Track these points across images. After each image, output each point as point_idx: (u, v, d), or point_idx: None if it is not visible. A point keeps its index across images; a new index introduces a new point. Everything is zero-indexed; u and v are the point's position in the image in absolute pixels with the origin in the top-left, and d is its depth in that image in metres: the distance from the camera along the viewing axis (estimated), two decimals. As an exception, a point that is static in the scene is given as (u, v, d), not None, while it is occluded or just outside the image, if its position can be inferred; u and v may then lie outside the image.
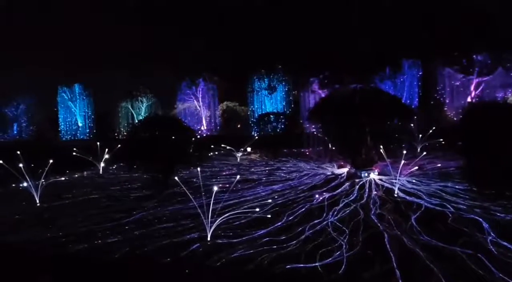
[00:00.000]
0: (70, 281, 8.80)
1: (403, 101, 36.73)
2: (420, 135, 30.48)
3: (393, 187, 16.56)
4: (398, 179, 16.95)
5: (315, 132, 30.37)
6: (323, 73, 57.47)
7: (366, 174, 19.84)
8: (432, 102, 53.56)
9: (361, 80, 47.37)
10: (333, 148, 24.19)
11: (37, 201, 16.26)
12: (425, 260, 8.83)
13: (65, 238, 11.36)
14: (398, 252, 9.31)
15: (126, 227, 12.37)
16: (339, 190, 17.13)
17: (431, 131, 30.85)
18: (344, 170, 22.11)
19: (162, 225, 12.50)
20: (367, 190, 16.66)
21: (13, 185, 19.46)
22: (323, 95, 53.85)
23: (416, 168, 18.92)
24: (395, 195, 15.67)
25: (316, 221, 12.24)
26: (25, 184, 17.52)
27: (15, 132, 67.42)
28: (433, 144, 30.19)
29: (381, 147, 18.36)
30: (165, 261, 9.33)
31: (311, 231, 11.29)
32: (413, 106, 50.75)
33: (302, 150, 34.58)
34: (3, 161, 17.32)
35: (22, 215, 14.42)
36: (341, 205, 14.21)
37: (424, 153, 20.38)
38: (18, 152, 17.75)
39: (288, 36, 71.74)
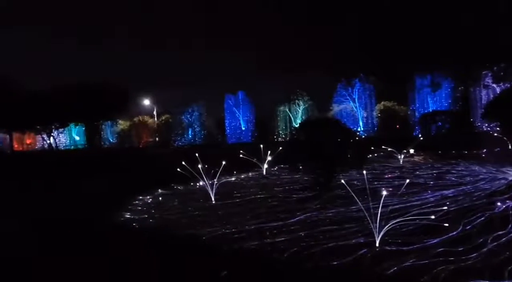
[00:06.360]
0: (244, 276, 9.38)
1: None
2: None
3: None
4: None
5: (490, 132, 27.04)
6: (498, 65, 50.79)
7: (563, 180, 16.82)
8: None
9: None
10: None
11: (213, 199, 17.95)
12: None
13: (237, 235, 12.24)
14: None
15: (292, 227, 12.74)
16: (527, 198, 14.85)
17: None
18: (531, 175, 19.14)
19: (326, 227, 12.54)
20: None
21: (191, 184, 21.81)
22: (498, 90, 47.83)
23: None
24: None
25: (500, 233, 10.79)
26: (201, 183, 19.66)
27: (190, 136, 76.50)
28: None
29: None
30: (333, 264, 9.30)
31: (494, 244, 10.00)
32: None
33: (475, 151, 31.03)
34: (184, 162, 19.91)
35: (201, 211, 16.06)
36: (531, 216, 12.28)
37: None
38: (196, 154, 19.99)
39: (452, 26, 65.70)
